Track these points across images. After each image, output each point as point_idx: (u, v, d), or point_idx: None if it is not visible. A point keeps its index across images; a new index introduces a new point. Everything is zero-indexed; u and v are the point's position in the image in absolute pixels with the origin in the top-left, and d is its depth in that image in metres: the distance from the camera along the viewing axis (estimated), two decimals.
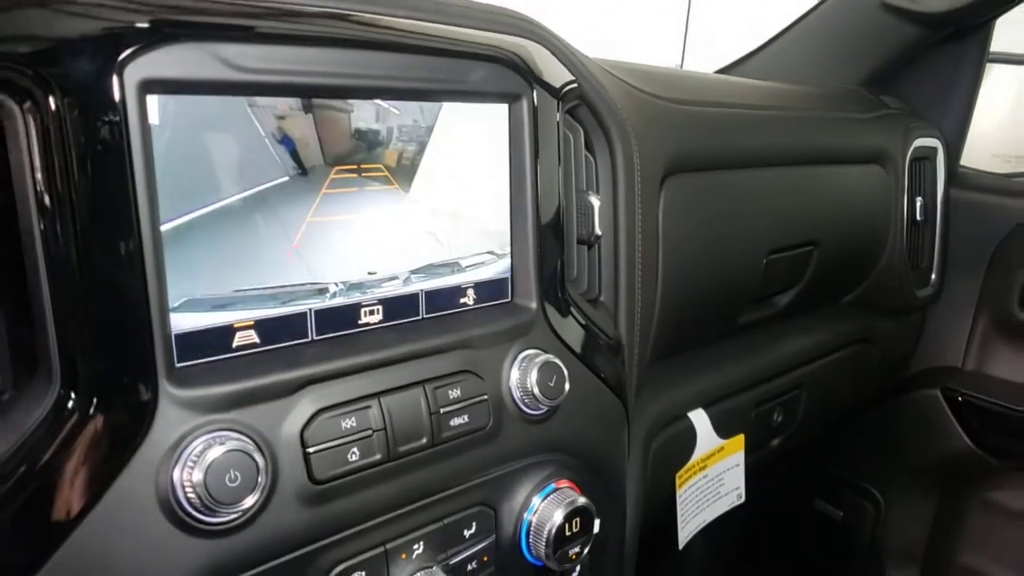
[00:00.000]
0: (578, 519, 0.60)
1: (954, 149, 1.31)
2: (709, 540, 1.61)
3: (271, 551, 0.46)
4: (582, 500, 0.61)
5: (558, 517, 0.59)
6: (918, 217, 1.24)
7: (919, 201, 1.24)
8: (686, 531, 0.92)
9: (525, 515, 0.60)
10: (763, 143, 0.95)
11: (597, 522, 0.63)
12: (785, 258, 0.99)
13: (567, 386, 0.59)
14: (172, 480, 0.42)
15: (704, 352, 0.99)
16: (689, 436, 0.93)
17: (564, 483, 0.62)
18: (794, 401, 1.10)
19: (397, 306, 0.55)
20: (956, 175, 1.32)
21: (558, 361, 0.59)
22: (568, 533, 0.60)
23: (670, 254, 0.80)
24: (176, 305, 0.45)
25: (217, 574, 0.44)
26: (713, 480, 0.95)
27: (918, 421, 1.34)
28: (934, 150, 1.27)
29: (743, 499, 0.99)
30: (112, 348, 0.42)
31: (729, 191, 0.89)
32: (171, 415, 0.43)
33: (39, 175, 0.39)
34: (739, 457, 0.98)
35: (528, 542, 0.60)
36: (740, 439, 0.98)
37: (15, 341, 0.42)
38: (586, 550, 0.62)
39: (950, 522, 1.36)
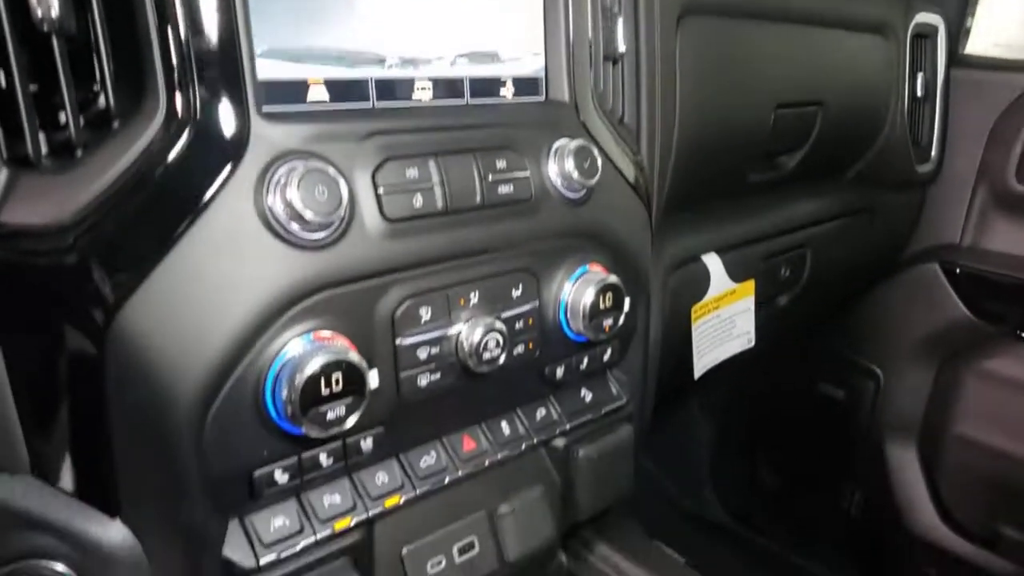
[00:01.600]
0: (609, 294, 0.68)
1: (955, 31, 1.37)
2: (714, 423, 1.72)
3: (352, 272, 0.53)
4: (612, 278, 0.68)
5: (591, 292, 0.67)
6: (919, 93, 1.31)
7: (920, 77, 1.31)
8: (701, 363, 1.00)
9: (563, 292, 0.67)
10: None
11: (627, 300, 0.70)
12: (793, 114, 1.06)
13: (600, 168, 0.66)
14: (268, 198, 0.49)
15: (716, 206, 1.07)
16: (703, 277, 1.00)
17: (596, 266, 0.69)
18: (800, 259, 1.18)
19: (445, 87, 0.61)
20: (957, 56, 1.38)
21: (591, 146, 0.66)
22: (601, 307, 0.67)
23: (686, 92, 0.87)
24: (260, 52, 0.51)
25: (308, 284, 0.51)
26: (726, 320, 1.03)
27: (917, 296, 1.42)
28: (935, 28, 1.33)
29: (753, 343, 1.07)
30: (210, 81, 0.48)
31: (742, 39, 0.96)
32: (262, 144, 0.50)
33: None
34: (749, 302, 1.06)
35: (567, 317, 0.68)
36: (750, 284, 1.06)
37: (121, 72, 0.49)
38: (618, 323, 0.69)
39: (947, 393, 1.45)
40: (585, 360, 0.72)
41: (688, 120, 0.88)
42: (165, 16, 0.47)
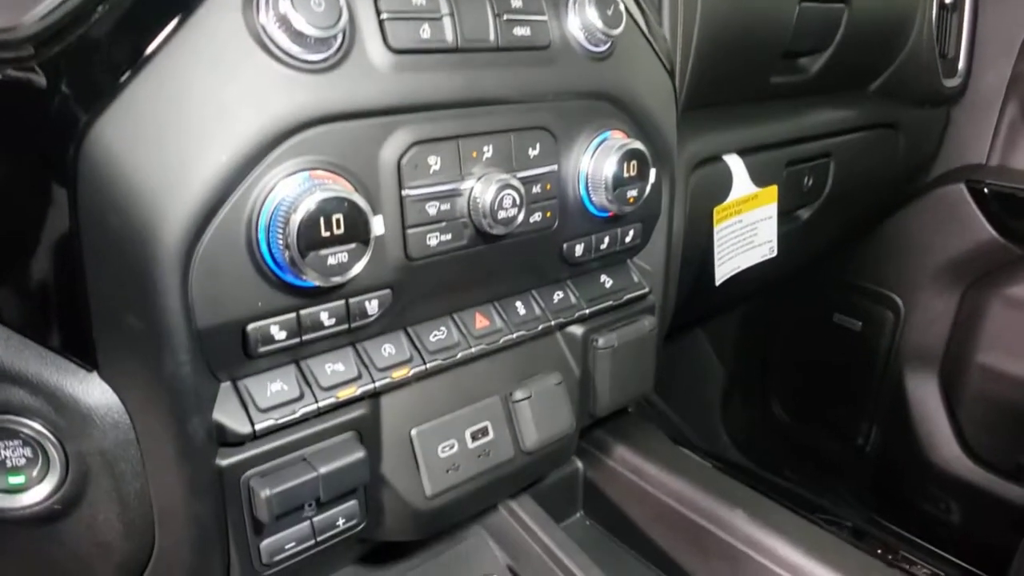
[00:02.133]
0: (634, 162, 0.62)
1: None
2: (725, 360, 1.68)
3: (354, 105, 0.48)
4: (637, 144, 0.63)
5: (614, 159, 0.61)
6: (947, 1, 1.24)
7: None
8: (723, 270, 0.95)
9: (583, 161, 0.62)
10: None
11: (653, 172, 0.65)
12: (817, 10, 1.00)
13: (624, 19, 0.60)
14: (260, 15, 0.43)
15: (738, 108, 1.01)
16: (725, 177, 0.95)
17: (618, 133, 0.64)
18: (823, 168, 1.13)
19: None
20: None
21: None
22: (625, 175, 0.62)
23: None
24: None
25: (305, 113, 0.46)
26: (748, 227, 0.98)
27: (941, 218, 1.37)
28: None
29: (775, 252, 1.02)
30: None
31: None
32: None
33: None
34: (772, 209, 1.01)
35: (587, 188, 0.62)
36: (773, 190, 1.00)
37: None
38: (643, 196, 0.64)
39: (970, 321, 1.40)
40: (606, 239, 0.67)
41: (711, 7, 0.82)
42: None
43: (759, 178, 0.99)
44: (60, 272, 0.44)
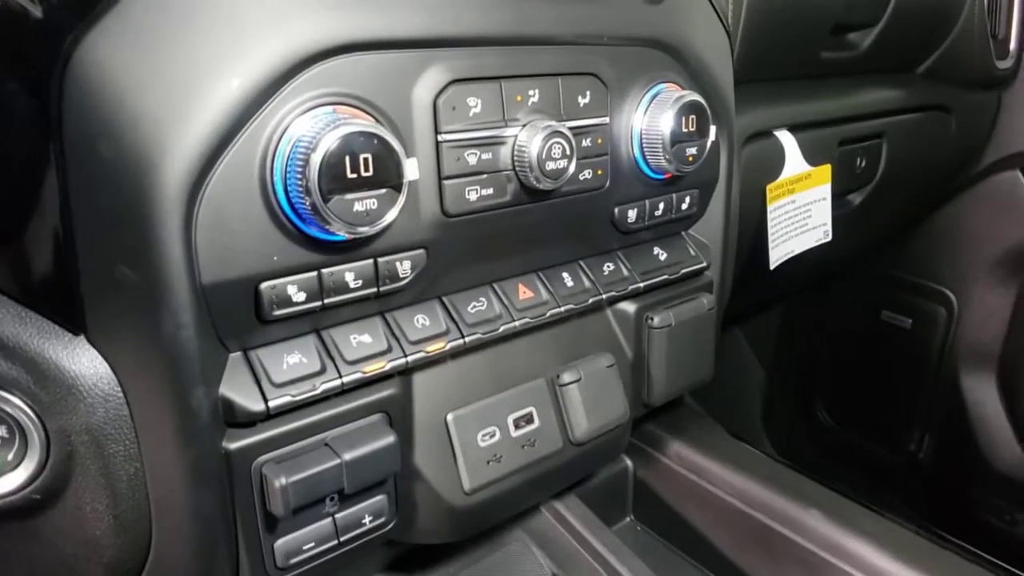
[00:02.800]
0: (693, 117, 0.55)
1: None
2: (766, 360, 1.59)
3: (384, 32, 0.41)
4: (695, 96, 0.55)
5: (671, 114, 0.54)
6: None
7: None
8: (777, 252, 0.87)
9: (637, 116, 0.55)
10: None
11: (713, 129, 0.58)
12: None
13: None
14: None
15: (790, 84, 0.94)
16: (778, 154, 0.88)
17: (673, 86, 0.57)
18: (876, 149, 1.05)
19: None
20: None
21: None
22: (685, 131, 0.55)
23: None
24: None
25: (329, 38, 0.39)
26: (801, 208, 0.90)
27: (995, 207, 1.28)
28: None
29: (830, 237, 0.94)
30: None
31: None
32: None
33: None
34: (826, 190, 0.93)
35: (642, 148, 0.55)
36: (826, 169, 0.92)
37: None
38: (703, 154, 0.57)
39: None
40: (661, 206, 0.59)
41: None
42: None
43: (812, 156, 0.92)
44: (41, 216, 0.37)
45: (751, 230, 0.86)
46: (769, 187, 0.85)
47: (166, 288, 0.37)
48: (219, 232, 0.38)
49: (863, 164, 1.03)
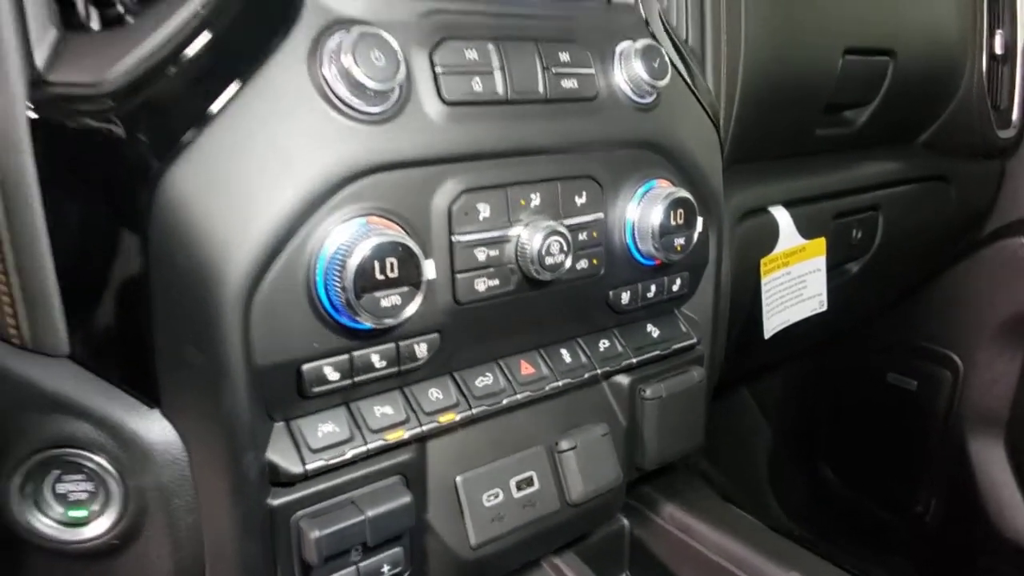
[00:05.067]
0: (681, 211, 0.65)
1: None
2: (771, 420, 1.65)
3: (409, 155, 0.51)
4: (683, 192, 0.65)
5: (661, 208, 0.64)
6: (998, 51, 1.27)
7: (1000, 34, 1.26)
8: (771, 323, 0.96)
9: (630, 208, 0.64)
10: None
11: (700, 220, 0.67)
12: (862, 63, 1.03)
13: (669, 71, 0.64)
14: (324, 67, 0.48)
15: (784, 161, 1.04)
16: (772, 229, 0.97)
17: (664, 182, 0.67)
18: (872, 221, 1.14)
19: None
20: None
21: (659, 46, 0.64)
22: (673, 224, 0.65)
23: (752, 22, 0.84)
24: None
25: (362, 162, 0.49)
26: (796, 279, 0.99)
27: (1000, 273, 1.36)
28: None
29: (825, 307, 1.02)
30: None
31: None
32: (316, 10, 0.48)
33: None
34: (820, 262, 1.02)
35: (634, 236, 0.65)
36: (821, 242, 1.01)
37: None
38: (691, 244, 0.66)
39: None
40: (653, 288, 0.69)
41: (753, 52, 0.86)
42: None
43: (806, 230, 1.01)
44: (129, 310, 0.47)
45: (747, 300, 0.95)
46: (763, 261, 0.94)
47: (227, 370, 0.47)
48: (270, 324, 0.48)
49: (859, 235, 1.12)
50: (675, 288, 0.71)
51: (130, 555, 0.50)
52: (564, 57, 0.59)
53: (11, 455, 0.48)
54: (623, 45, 0.63)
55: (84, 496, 0.48)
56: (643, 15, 0.67)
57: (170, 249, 0.46)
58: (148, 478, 0.48)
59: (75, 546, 0.48)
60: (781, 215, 0.98)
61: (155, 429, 0.48)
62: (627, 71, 0.63)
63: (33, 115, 0.45)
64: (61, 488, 0.48)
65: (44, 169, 0.46)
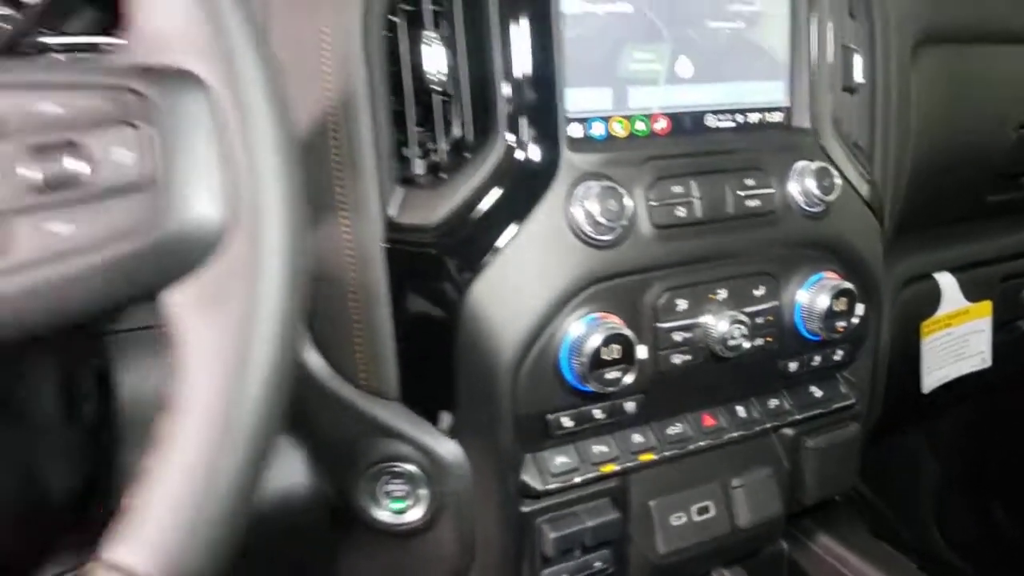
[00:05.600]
0: (844, 299, 0.80)
1: None
2: (941, 458, 1.69)
3: (628, 267, 0.71)
4: (847, 284, 0.80)
5: (826, 296, 0.79)
6: None
7: None
8: (931, 379, 1.06)
9: (799, 295, 0.80)
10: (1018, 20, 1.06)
11: (861, 307, 0.81)
12: None
13: (838, 186, 0.79)
14: (573, 209, 0.68)
15: (952, 227, 1.12)
16: (934, 295, 1.07)
17: (831, 273, 0.81)
18: None
19: (704, 117, 0.78)
20: None
21: (830, 167, 0.79)
22: (835, 310, 0.79)
23: (921, 118, 0.96)
24: (569, 112, 0.71)
25: (595, 275, 0.70)
26: (958, 339, 1.08)
27: None
28: None
29: (988, 363, 1.10)
30: (535, 126, 0.69)
31: (979, 63, 1.03)
32: (569, 169, 0.69)
33: None
34: (985, 323, 1.10)
35: (802, 317, 0.80)
36: (987, 305, 1.09)
37: (476, 118, 0.70)
38: (851, 326, 0.81)
39: None
40: (817, 358, 0.84)
41: (922, 143, 0.97)
42: (509, 80, 0.68)
43: (971, 293, 1.09)
44: (441, 371, 0.71)
45: (908, 357, 1.05)
46: (924, 325, 1.04)
47: (500, 416, 0.69)
48: (529, 386, 0.69)
49: None
50: (836, 358, 0.85)
51: (430, 536, 0.73)
52: (749, 182, 0.76)
53: (359, 466, 0.73)
54: (800, 164, 0.79)
55: (403, 494, 0.72)
56: (818, 137, 0.82)
57: (471, 334, 0.68)
58: (445, 486, 0.72)
59: (396, 528, 0.73)
60: (945, 280, 1.07)
61: (452, 452, 0.71)
62: (802, 187, 0.78)
63: (385, 245, 0.70)
64: (388, 488, 0.73)
65: (391, 278, 0.70)
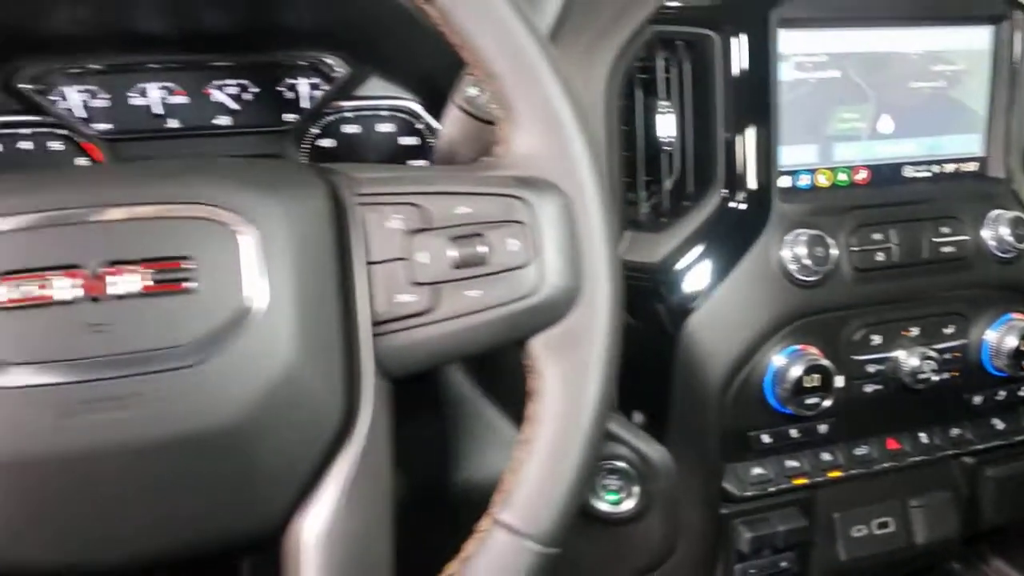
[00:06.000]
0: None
1: None
2: None
3: (829, 306, 0.81)
4: None
5: (1015, 336, 0.85)
6: None
7: None
8: None
9: (987, 334, 0.86)
10: None
11: None
12: None
13: None
14: (784, 252, 0.78)
15: None
16: None
17: (1020, 315, 0.87)
18: None
19: (902, 168, 0.86)
20: None
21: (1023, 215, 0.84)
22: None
23: None
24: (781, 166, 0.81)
25: (800, 311, 0.80)
26: None
27: None
28: None
29: None
30: (752, 180, 0.79)
31: None
32: (779, 218, 0.79)
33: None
34: None
35: (990, 355, 0.86)
36: None
37: (698, 173, 0.82)
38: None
39: None
40: (1002, 393, 0.90)
41: None
42: (730, 140, 0.79)
43: None
44: (658, 392, 0.83)
45: None
46: None
47: (708, 430, 0.81)
48: (735, 407, 0.81)
49: None
50: (1021, 393, 0.90)
51: (639, 527, 0.86)
52: (945, 230, 0.83)
53: None
54: (994, 213, 0.85)
55: (618, 488, 0.86)
56: (1011, 186, 0.87)
57: (686, 359, 0.80)
58: (653, 484, 0.84)
59: (611, 516, 0.86)
60: None
61: (663, 458, 0.84)
62: (995, 234, 0.85)
63: None
64: (605, 482, 0.86)
65: None
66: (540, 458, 0.48)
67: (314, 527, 0.44)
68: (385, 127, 0.90)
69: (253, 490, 0.44)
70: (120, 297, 0.41)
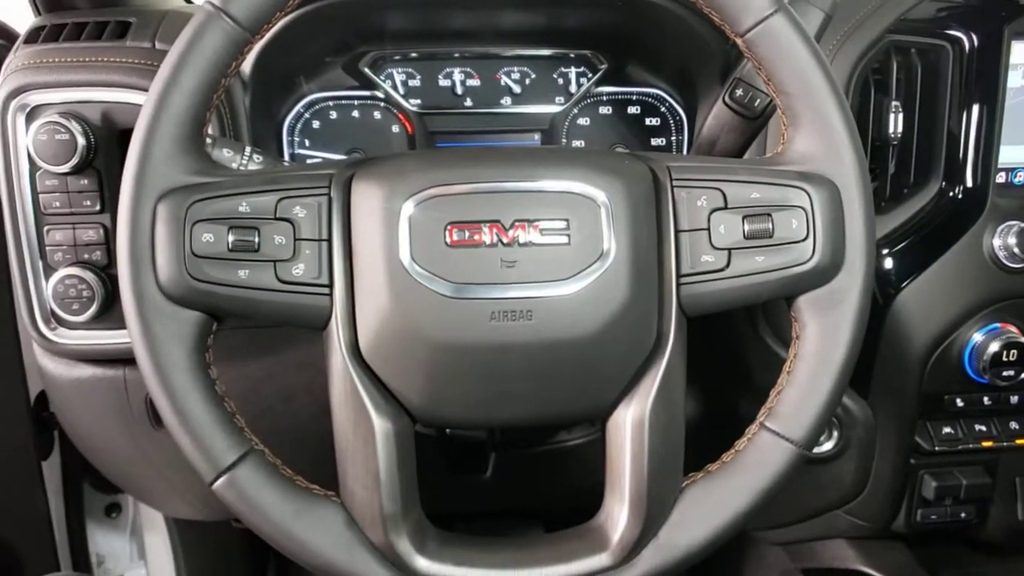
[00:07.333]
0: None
1: None
2: None
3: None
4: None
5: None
6: None
7: None
8: None
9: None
10: None
11: None
12: None
13: None
14: (995, 240, 0.90)
15: None
16: None
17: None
18: None
19: None
20: None
21: None
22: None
23: None
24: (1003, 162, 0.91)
25: (1003, 293, 0.92)
26: None
27: None
28: None
29: None
30: (973, 172, 0.90)
31: None
32: (994, 208, 0.90)
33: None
34: None
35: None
36: None
37: (920, 164, 0.94)
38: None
39: None
40: None
41: None
42: (956, 138, 0.91)
43: None
44: (866, 353, 0.97)
45: None
46: None
47: (908, 392, 0.94)
48: (935, 372, 0.93)
49: None
50: None
51: (834, 466, 1.02)
52: None
53: None
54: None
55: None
56: None
57: (895, 328, 0.94)
58: (852, 431, 0.99)
59: (818, 455, 1.01)
60: None
61: (860, 408, 0.98)
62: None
63: None
64: None
65: None
66: (799, 385, 0.65)
67: (634, 414, 0.63)
68: (633, 110, 1.08)
69: (597, 381, 0.63)
70: (524, 244, 0.61)
